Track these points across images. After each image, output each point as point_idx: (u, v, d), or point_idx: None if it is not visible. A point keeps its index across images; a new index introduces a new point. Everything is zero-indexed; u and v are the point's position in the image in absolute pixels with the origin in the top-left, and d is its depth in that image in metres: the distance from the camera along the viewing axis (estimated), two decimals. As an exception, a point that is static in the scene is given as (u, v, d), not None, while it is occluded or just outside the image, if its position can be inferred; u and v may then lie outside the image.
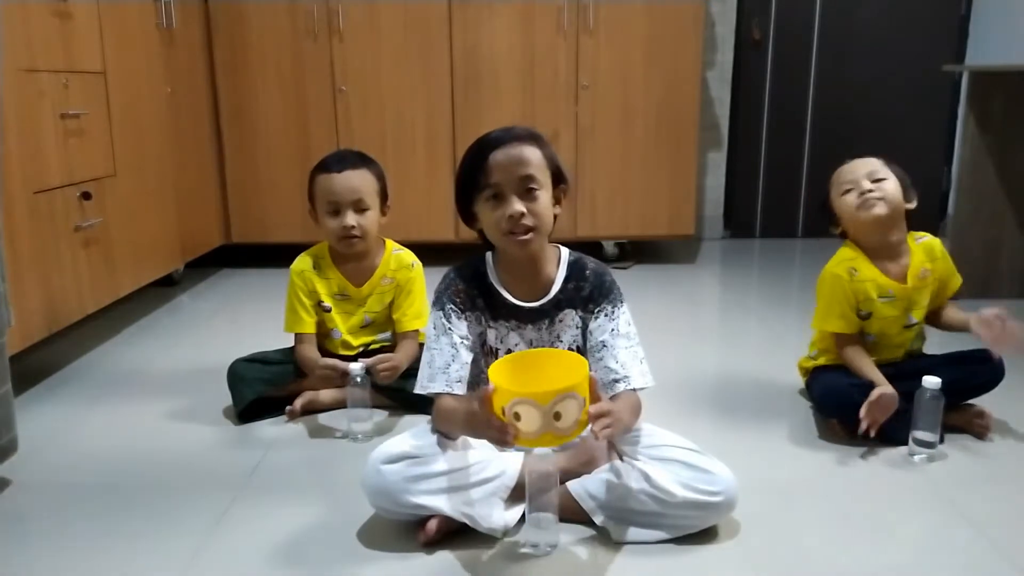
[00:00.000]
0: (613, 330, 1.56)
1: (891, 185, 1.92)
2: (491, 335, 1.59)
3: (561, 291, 1.58)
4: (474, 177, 1.50)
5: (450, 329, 1.55)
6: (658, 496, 1.45)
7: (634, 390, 1.52)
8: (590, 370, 1.34)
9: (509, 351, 1.58)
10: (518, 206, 1.46)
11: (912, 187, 1.96)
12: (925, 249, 1.99)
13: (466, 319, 1.57)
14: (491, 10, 3.52)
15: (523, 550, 1.44)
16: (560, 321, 1.59)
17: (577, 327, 1.59)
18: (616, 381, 1.52)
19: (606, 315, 1.57)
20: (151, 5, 2.98)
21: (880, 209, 1.90)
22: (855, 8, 4.26)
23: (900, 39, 4.27)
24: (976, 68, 3.27)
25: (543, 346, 1.59)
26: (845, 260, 1.98)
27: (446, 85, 3.57)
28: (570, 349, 1.59)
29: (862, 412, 1.79)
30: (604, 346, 1.55)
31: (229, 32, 3.52)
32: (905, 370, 1.91)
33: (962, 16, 4.26)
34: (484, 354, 1.60)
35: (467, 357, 1.55)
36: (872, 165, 1.95)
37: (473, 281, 1.58)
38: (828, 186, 2.03)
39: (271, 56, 3.54)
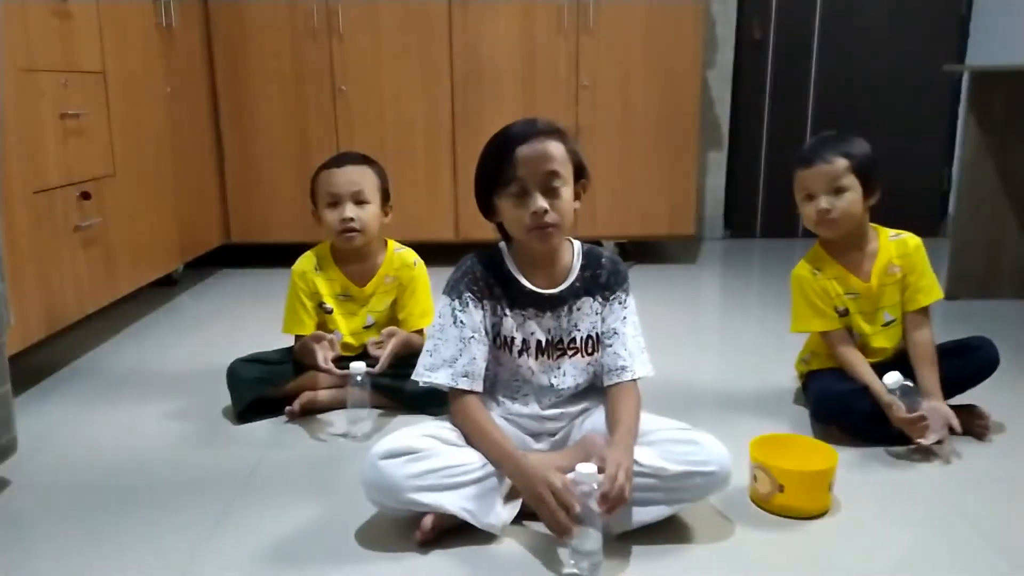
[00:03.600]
0: (625, 318, 1.61)
1: (849, 197, 1.87)
2: (507, 324, 1.59)
3: (578, 279, 1.61)
4: (498, 171, 1.50)
5: (461, 322, 1.54)
6: (650, 474, 1.44)
7: (634, 381, 1.58)
8: (600, 356, 1.52)
9: (524, 340, 1.59)
10: (542, 203, 1.48)
11: (875, 175, 1.90)
12: (897, 245, 1.96)
13: (483, 307, 1.56)
14: (491, 10, 3.52)
15: (566, 571, 1.37)
16: (578, 309, 1.61)
17: (596, 314, 1.62)
18: (624, 368, 1.58)
19: (620, 303, 1.62)
20: (151, 5, 2.98)
21: (836, 229, 1.91)
22: (856, 8, 4.25)
23: (900, 39, 4.27)
24: (977, 68, 3.27)
25: (560, 335, 1.60)
26: (809, 260, 2.00)
27: (446, 85, 3.57)
28: (588, 336, 1.61)
29: (919, 435, 1.77)
30: (615, 333, 1.60)
31: (229, 32, 3.52)
32: (896, 367, 1.90)
33: (962, 16, 4.26)
34: (497, 347, 1.60)
35: (477, 351, 1.54)
36: (833, 171, 1.87)
37: (491, 269, 1.58)
38: (791, 181, 1.96)
39: (271, 56, 3.54)
